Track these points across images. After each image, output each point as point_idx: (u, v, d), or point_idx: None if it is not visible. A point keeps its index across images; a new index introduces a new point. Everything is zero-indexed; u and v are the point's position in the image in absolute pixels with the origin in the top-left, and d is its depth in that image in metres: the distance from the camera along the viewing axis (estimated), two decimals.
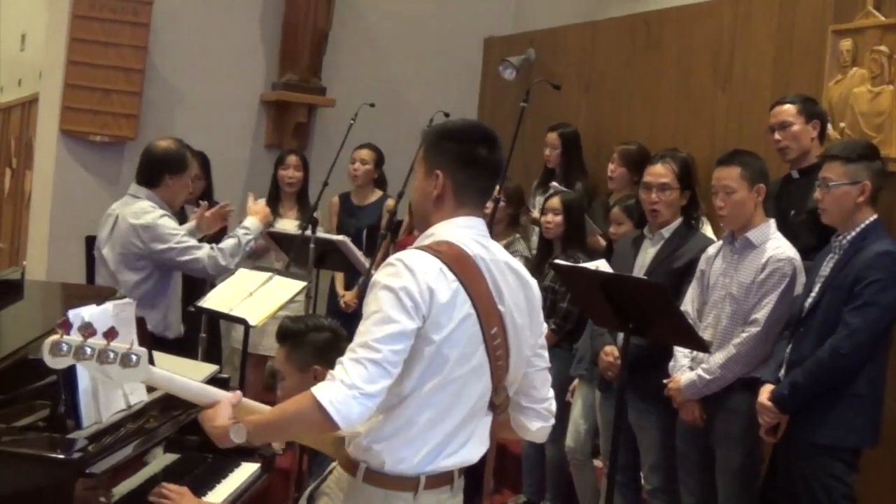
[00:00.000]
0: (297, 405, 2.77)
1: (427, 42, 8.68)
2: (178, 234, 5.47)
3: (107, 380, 2.91)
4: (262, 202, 6.11)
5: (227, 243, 5.61)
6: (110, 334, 2.79)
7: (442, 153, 2.96)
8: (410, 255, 2.85)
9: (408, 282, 2.77)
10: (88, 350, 2.77)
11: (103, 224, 5.60)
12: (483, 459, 3.07)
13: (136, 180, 5.62)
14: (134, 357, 2.79)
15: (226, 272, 5.65)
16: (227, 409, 2.91)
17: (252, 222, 5.81)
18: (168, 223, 5.47)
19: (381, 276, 2.83)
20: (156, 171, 5.53)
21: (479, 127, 3.07)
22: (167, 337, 5.52)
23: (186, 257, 5.45)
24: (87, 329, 2.78)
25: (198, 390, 3.01)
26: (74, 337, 2.78)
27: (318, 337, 3.51)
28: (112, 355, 2.78)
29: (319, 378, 3.13)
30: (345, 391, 2.68)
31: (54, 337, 2.77)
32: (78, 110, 7.79)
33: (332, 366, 2.78)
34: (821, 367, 4.25)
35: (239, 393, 3.01)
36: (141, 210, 5.46)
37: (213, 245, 5.57)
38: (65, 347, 2.76)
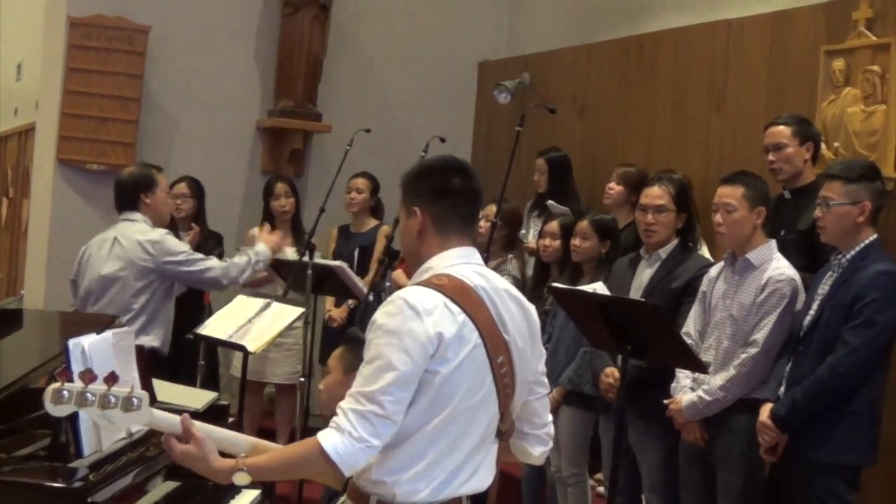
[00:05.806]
0: (302, 453, 2.79)
1: (422, 67, 8.70)
2: (186, 248, 5.61)
3: (109, 424, 2.91)
4: (275, 233, 6.18)
5: (239, 259, 5.71)
6: (111, 379, 2.79)
7: (417, 190, 2.99)
8: (412, 293, 2.82)
9: (412, 323, 2.76)
10: (90, 396, 2.77)
11: (97, 248, 5.62)
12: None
13: (118, 210, 5.72)
14: (135, 401, 2.79)
15: (235, 285, 5.76)
16: (211, 445, 2.86)
17: (262, 248, 5.90)
18: (173, 239, 5.61)
19: (382, 316, 2.81)
20: (130, 195, 5.68)
21: (450, 158, 3.08)
22: (163, 352, 5.58)
23: (199, 267, 5.56)
24: (88, 375, 2.79)
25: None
26: (75, 384, 2.78)
27: None
28: (113, 400, 2.77)
29: None
30: (352, 444, 2.71)
31: (55, 385, 2.78)
32: (74, 139, 7.80)
33: None
34: (820, 385, 4.26)
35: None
36: (145, 228, 5.55)
37: (225, 257, 5.68)
38: (66, 395, 2.77)
